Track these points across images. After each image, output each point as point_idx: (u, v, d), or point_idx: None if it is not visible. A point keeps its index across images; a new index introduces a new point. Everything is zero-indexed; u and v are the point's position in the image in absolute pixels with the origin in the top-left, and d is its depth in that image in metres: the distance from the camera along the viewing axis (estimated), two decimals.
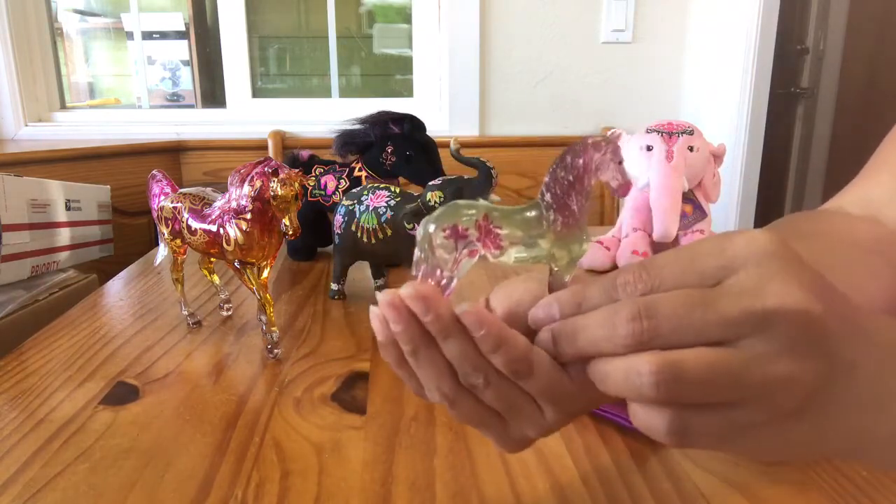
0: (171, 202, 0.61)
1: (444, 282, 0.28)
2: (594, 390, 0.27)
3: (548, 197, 0.29)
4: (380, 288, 0.75)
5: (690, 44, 1.84)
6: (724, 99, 1.73)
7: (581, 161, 0.28)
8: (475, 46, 1.80)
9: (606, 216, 1.79)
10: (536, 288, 0.29)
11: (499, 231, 0.28)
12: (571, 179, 0.29)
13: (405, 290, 0.26)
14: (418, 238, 0.28)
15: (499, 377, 0.28)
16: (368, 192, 0.70)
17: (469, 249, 0.28)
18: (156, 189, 0.64)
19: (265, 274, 0.57)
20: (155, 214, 0.63)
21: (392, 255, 0.69)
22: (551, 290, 0.30)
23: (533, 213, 0.29)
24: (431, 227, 0.28)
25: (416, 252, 0.28)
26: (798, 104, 2.31)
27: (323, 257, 0.92)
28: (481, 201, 0.29)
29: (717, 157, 0.85)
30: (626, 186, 0.29)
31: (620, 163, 0.29)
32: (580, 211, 0.29)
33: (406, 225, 0.66)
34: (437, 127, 1.82)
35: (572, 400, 0.29)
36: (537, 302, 0.29)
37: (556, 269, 0.30)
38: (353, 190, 0.72)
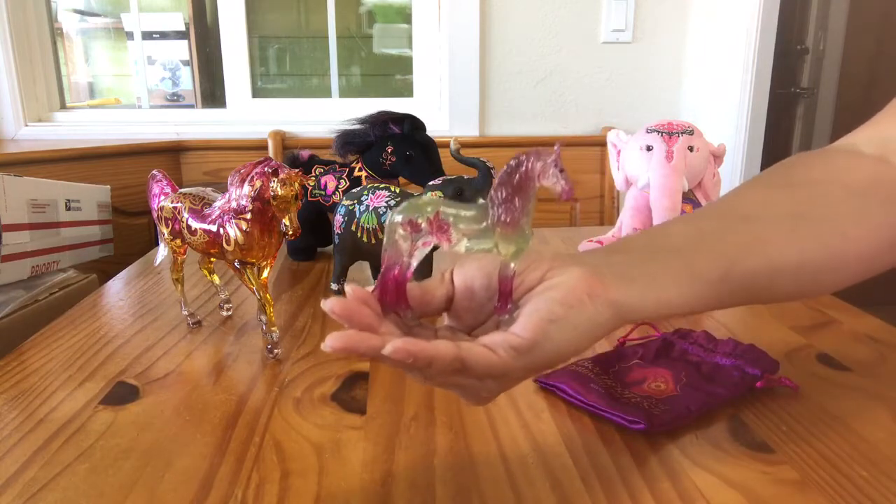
0: (171, 202, 0.61)
1: (404, 263, 0.33)
2: (529, 363, 0.32)
3: (495, 197, 0.33)
4: None
5: (690, 44, 1.84)
6: (724, 99, 1.73)
7: (524, 168, 0.32)
8: (475, 46, 1.80)
9: (606, 216, 1.79)
10: (488, 265, 0.35)
11: (449, 226, 0.33)
12: (515, 183, 0.32)
13: (328, 342, 0.29)
14: (386, 227, 0.33)
15: (433, 372, 0.31)
16: (368, 192, 0.70)
17: (423, 241, 0.33)
18: (156, 189, 0.64)
19: (265, 274, 0.57)
20: (155, 214, 0.63)
21: None
22: (500, 276, 0.34)
23: (482, 212, 0.33)
24: (395, 219, 0.33)
25: (384, 238, 0.33)
26: (798, 104, 2.31)
27: (323, 257, 0.92)
28: (439, 199, 0.34)
29: (717, 157, 0.85)
30: (567, 192, 0.32)
31: (562, 170, 0.32)
32: (523, 211, 0.33)
33: None
34: (437, 127, 1.82)
35: (509, 374, 0.32)
36: (487, 277, 0.35)
37: (503, 258, 0.34)
38: (353, 190, 0.72)
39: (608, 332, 0.34)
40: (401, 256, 0.33)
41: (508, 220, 0.33)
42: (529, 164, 0.32)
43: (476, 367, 0.31)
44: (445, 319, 0.37)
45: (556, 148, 0.32)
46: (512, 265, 0.33)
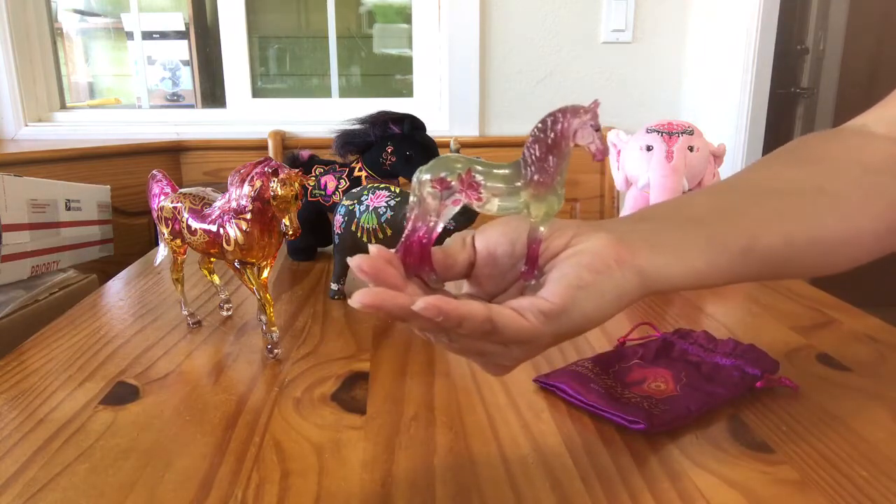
0: (171, 202, 0.61)
1: (431, 224, 0.32)
2: (556, 330, 0.31)
3: (528, 156, 0.32)
4: None
5: (690, 44, 1.84)
6: (724, 99, 1.73)
7: (560, 126, 0.31)
8: (475, 46, 1.80)
9: (606, 216, 1.79)
10: (511, 231, 0.34)
11: (480, 184, 0.31)
12: (550, 142, 0.31)
13: (356, 297, 0.28)
14: (413, 185, 0.32)
15: (461, 335, 0.30)
16: (368, 192, 0.70)
17: (453, 199, 0.31)
18: (156, 189, 0.64)
19: (265, 274, 0.57)
20: (155, 214, 0.63)
21: None
22: (529, 239, 0.33)
23: (513, 170, 0.32)
24: (423, 177, 0.31)
25: (411, 197, 0.32)
26: (798, 104, 2.31)
27: (323, 257, 0.92)
28: (468, 156, 0.33)
29: (717, 157, 0.85)
30: (603, 151, 0.31)
31: (598, 129, 0.31)
32: (556, 170, 0.31)
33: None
34: (437, 127, 1.82)
35: (536, 340, 0.31)
36: (511, 243, 0.34)
37: (533, 220, 0.32)
38: (353, 190, 0.72)
39: (633, 302, 0.34)
40: (427, 216, 0.31)
41: (542, 179, 0.31)
42: (566, 122, 0.30)
43: (505, 330, 0.30)
44: (465, 286, 0.36)
45: (593, 105, 0.31)
46: (542, 228, 0.32)
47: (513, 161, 0.32)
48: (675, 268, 0.35)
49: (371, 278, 0.30)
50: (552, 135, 0.31)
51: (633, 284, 0.33)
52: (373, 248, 0.31)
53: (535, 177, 0.31)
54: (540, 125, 0.31)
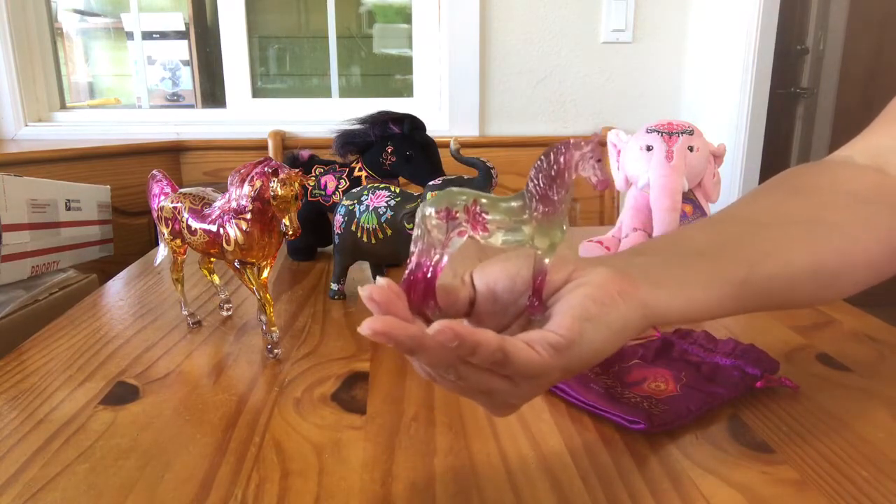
0: (171, 202, 0.61)
1: (436, 257, 0.32)
2: (565, 364, 0.31)
3: (532, 188, 0.32)
4: None
5: (690, 44, 1.84)
6: (724, 99, 1.73)
7: (563, 158, 0.31)
8: (475, 46, 1.80)
9: (606, 216, 1.79)
10: (511, 267, 0.34)
11: (486, 216, 0.32)
12: (553, 174, 0.32)
13: (366, 324, 0.27)
14: (417, 218, 0.32)
15: (470, 369, 0.30)
16: (368, 192, 0.70)
17: (459, 231, 0.32)
18: (156, 189, 0.64)
19: (265, 274, 0.57)
20: (155, 214, 0.63)
21: (392, 255, 0.69)
22: (534, 271, 0.33)
23: (518, 203, 0.32)
24: (428, 210, 0.31)
25: (415, 230, 0.32)
26: (798, 104, 2.31)
27: (323, 257, 0.92)
28: (472, 190, 0.33)
29: (717, 157, 0.85)
30: (604, 182, 0.32)
31: (599, 160, 0.32)
32: (560, 202, 0.32)
33: (406, 225, 0.66)
34: (437, 127, 1.82)
35: (546, 374, 0.31)
36: (511, 279, 0.34)
37: (538, 252, 0.33)
38: (353, 190, 0.72)
39: (636, 334, 0.34)
40: (432, 250, 0.31)
41: (546, 211, 0.32)
42: (567, 155, 0.31)
43: (516, 360, 0.29)
44: (465, 325, 0.36)
45: (593, 137, 0.32)
46: (547, 260, 0.32)
47: (516, 193, 0.33)
48: (676, 301, 0.35)
49: (381, 308, 0.29)
50: (555, 167, 0.31)
51: (636, 317, 0.33)
52: (382, 280, 0.31)
53: (540, 208, 0.32)
54: (542, 158, 0.32)
